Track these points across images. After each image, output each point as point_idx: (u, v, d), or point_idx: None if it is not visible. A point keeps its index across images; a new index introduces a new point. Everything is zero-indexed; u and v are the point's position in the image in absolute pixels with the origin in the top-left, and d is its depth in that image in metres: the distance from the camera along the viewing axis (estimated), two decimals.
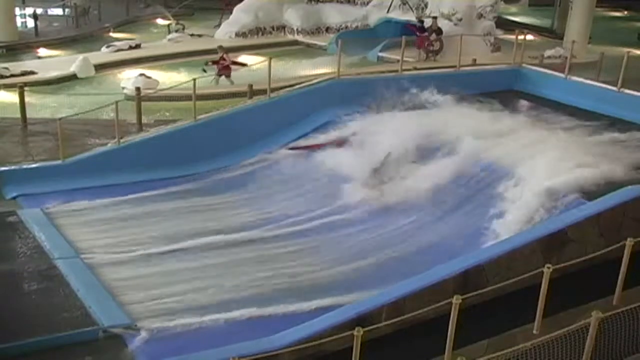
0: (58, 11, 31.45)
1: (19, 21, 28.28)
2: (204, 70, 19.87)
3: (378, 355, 8.16)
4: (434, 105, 14.78)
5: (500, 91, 17.05)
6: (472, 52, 21.04)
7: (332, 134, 14.53)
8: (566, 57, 17.43)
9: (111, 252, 10.87)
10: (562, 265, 8.73)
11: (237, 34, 27.18)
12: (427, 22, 24.71)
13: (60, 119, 13.79)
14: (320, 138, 14.59)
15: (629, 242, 8.73)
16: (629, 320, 7.93)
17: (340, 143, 14.21)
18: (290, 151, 14.43)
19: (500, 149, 12.66)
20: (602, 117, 14.91)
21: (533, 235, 9.87)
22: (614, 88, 15.81)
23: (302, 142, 14.68)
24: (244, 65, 20.73)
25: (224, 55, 20.40)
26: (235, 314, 9.30)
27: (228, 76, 20.42)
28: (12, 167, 13.39)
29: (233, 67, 20.54)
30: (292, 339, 8.15)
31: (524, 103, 16.72)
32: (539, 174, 11.42)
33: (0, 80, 19.47)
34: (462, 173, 12.45)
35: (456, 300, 7.53)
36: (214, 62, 20.46)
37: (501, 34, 26.32)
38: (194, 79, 14.84)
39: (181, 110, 17.07)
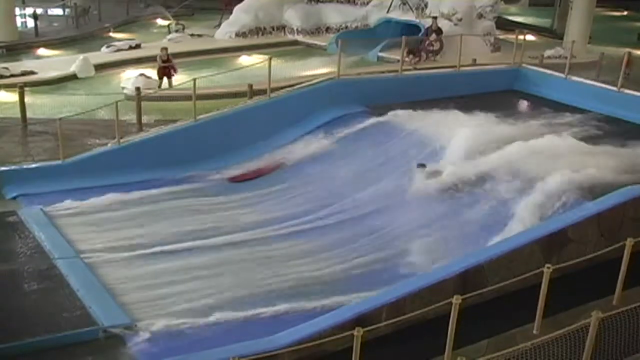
0: (58, 11, 31.38)
1: (19, 21, 28.22)
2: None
3: (378, 355, 8.15)
4: None
5: (500, 91, 17.08)
6: (472, 52, 21.02)
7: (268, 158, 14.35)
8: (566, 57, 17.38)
9: (111, 252, 10.87)
10: (562, 265, 8.73)
11: (237, 34, 27.15)
12: (427, 22, 24.73)
13: (60, 119, 13.80)
14: (255, 164, 14.21)
15: (629, 242, 8.74)
16: (629, 320, 7.95)
17: (275, 167, 14.09)
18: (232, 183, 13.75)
19: None
20: None
21: (533, 235, 9.87)
22: (614, 88, 15.83)
23: (241, 171, 14.08)
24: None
25: (169, 57, 19.73)
26: (235, 314, 9.30)
27: (163, 77, 19.57)
28: (12, 167, 13.39)
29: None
30: (292, 339, 8.15)
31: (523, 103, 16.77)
32: None
33: (0, 80, 19.45)
34: None
35: (456, 300, 7.53)
36: (165, 66, 19.58)
37: (501, 34, 26.28)
38: (194, 79, 14.83)
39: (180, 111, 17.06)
